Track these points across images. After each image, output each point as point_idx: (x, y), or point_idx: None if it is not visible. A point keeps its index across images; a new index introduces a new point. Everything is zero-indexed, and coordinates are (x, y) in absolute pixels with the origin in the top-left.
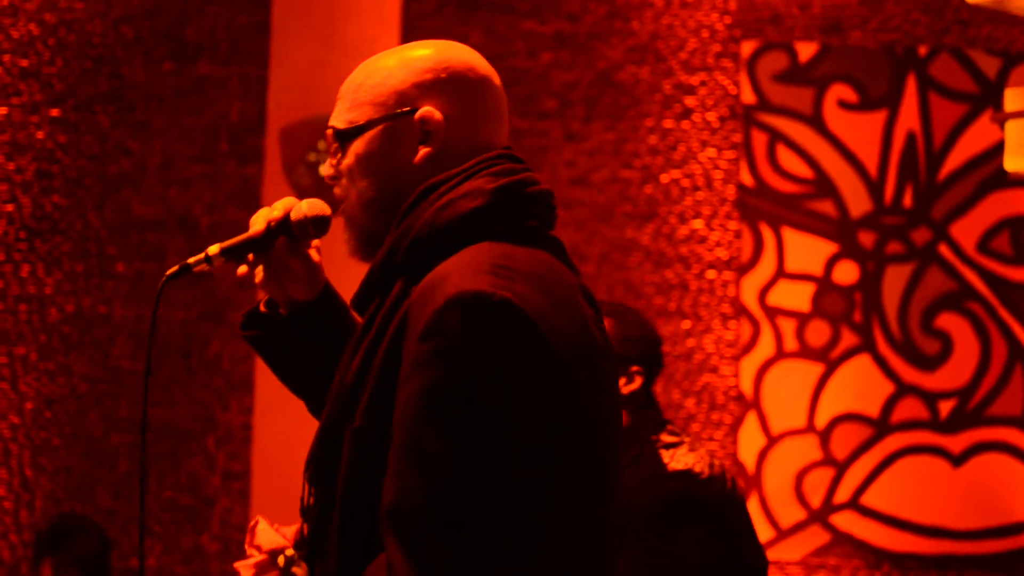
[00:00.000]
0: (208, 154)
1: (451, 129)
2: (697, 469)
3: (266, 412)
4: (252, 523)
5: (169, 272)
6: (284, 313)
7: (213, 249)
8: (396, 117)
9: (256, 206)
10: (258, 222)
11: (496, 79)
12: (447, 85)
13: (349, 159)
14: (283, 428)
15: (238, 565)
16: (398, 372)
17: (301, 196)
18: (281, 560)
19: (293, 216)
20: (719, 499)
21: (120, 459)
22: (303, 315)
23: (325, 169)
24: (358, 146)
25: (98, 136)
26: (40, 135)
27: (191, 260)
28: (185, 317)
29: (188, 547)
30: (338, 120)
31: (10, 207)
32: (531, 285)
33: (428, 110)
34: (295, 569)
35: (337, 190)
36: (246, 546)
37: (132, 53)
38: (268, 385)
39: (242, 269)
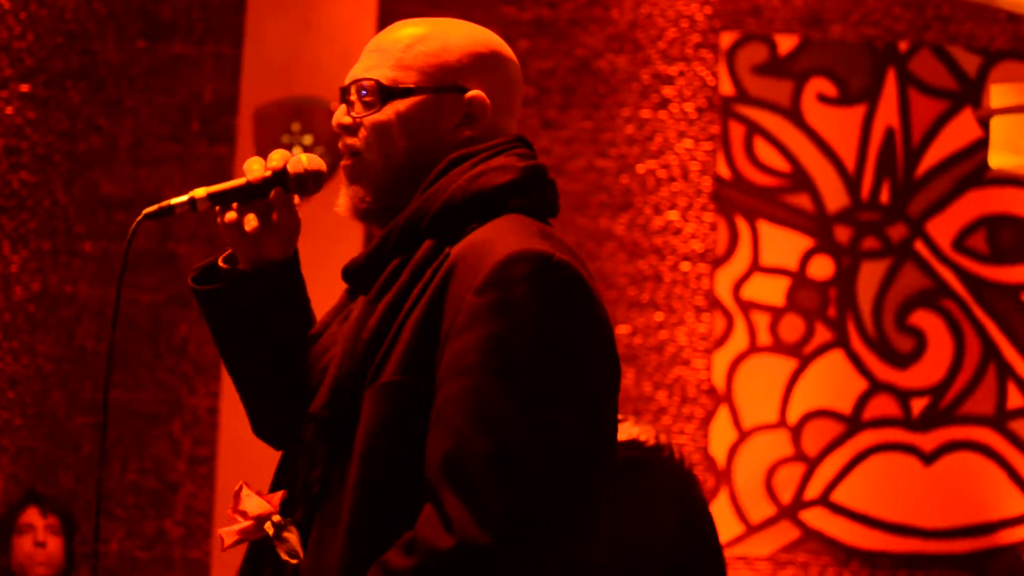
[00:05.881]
0: (179, 134)
1: (491, 114)
2: (643, 438)
3: (233, 397)
4: (236, 488)
5: (147, 211)
6: (247, 270)
7: (199, 192)
8: (446, 91)
9: None
10: (254, 169)
11: None
12: (497, 73)
13: (384, 116)
14: None
15: (222, 531)
16: (439, 328)
17: None
18: (269, 527)
19: (291, 168)
20: (668, 465)
21: (84, 441)
22: (270, 274)
23: (341, 116)
24: (400, 107)
25: (68, 113)
26: (9, 111)
27: (174, 201)
28: (153, 300)
29: (151, 532)
30: (377, 73)
31: None
32: (572, 255)
33: (479, 94)
34: (286, 534)
35: (350, 140)
36: (229, 512)
37: (104, 29)
38: None
39: (230, 216)
